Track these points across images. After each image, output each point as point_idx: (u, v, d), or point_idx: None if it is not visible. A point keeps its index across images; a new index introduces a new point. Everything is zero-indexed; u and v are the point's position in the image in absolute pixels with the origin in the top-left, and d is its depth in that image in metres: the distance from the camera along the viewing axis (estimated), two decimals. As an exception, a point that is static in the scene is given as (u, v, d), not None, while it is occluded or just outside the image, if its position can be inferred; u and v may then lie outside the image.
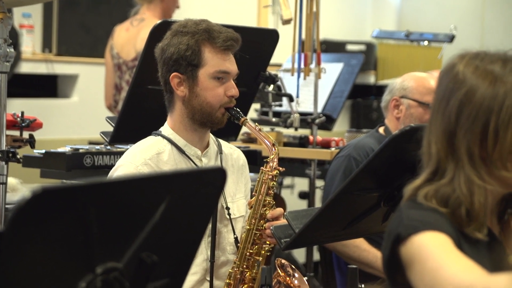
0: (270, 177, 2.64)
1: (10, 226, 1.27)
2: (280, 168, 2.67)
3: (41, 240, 1.34)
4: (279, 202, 5.20)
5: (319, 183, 4.81)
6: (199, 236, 1.77)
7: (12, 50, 2.85)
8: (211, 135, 2.78)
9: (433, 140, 1.77)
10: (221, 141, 2.83)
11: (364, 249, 3.43)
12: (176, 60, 2.61)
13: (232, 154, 2.83)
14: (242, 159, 2.85)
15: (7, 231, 1.27)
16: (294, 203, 5.73)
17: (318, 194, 5.02)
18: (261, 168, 2.67)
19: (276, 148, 2.66)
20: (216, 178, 1.68)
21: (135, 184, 1.51)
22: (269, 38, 3.45)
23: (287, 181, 6.27)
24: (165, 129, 2.71)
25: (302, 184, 6.18)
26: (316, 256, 5.40)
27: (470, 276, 1.55)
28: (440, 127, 1.77)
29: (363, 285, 2.83)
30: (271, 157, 2.65)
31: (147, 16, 4.98)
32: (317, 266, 5.66)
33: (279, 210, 2.64)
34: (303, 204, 5.74)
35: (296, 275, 2.60)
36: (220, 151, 2.77)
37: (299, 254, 5.90)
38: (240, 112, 2.65)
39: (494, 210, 1.80)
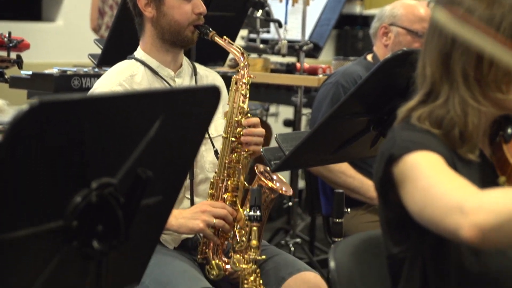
0: (242, 84, 2.66)
1: (7, 138, 1.27)
2: (252, 76, 2.68)
3: (37, 153, 1.34)
4: (265, 128, 5.20)
5: (305, 111, 4.83)
6: (192, 154, 1.78)
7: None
8: (185, 57, 2.80)
9: (428, 62, 1.77)
10: (196, 64, 2.84)
11: (349, 175, 3.46)
12: None
13: (207, 76, 2.85)
14: (219, 81, 2.87)
15: (4, 143, 1.27)
16: (279, 131, 5.73)
17: (304, 121, 5.04)
18: (233, 76, 2.69)
19: (246, 57, 2.67)
20: (210, 96, 1.68)
21: (131, 100, 1.51)
22: (259, -38, 3.42)
23: (272, 109, 6.28)
24: (138, 52, 2.74)
25: (287, 112, 6.19)
26: (300, 183, 5.45)
27: (461, 193, 1.56)
28: (435, 49, 1.77)
29: (349, 210, 2.86)
30: (241, 65, 2.67)
31: None
32: (301, 193, 5.71)
33: (255, 118, 2.66)
34: (288, 132, 5.75)
35: (275, 177, 2.63)
36: (194, 72, 2.78)
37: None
38: (209, 28, 2.66)
39: (486, 132, 1.81)
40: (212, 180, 2.67)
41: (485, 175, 1.75)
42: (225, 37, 2.70)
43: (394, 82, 2.32)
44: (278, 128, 5.92)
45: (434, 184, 1.60)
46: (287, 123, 5.80)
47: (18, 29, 5.23)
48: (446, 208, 1.55)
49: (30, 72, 3.30)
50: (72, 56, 5.38)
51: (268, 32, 4.47)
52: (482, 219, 1.49)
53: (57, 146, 1.38)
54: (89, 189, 1.47)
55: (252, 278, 2.36)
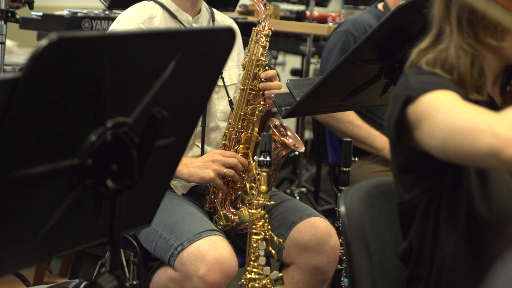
0: (262, 36, 2.65)
1: (26, 72, 1.27)
2: (273, 28, 2.67)
3: (55, 89, 1.34)
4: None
5: (313, 60, 4.81)
6: (206, 97, 1.78)
7: None
8: (204, 3, 2.77)
9: (436, 2, 1.78)
10: (214, 10, 2.82)
11: (357, 125, 3.46)
12: None
13: (224, 23, 2.83)
14: (235, 28, 2.83)
15: (23, 77, 1.27)
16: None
17: (311, 70, 5.02)
18: (253, 28, 2.67)
19: (268, 8, 2.66)
20: (225, 38, 1.67)
21: (148, 39, 1.50)
22: None
23: (279, 58, 6.26)
24: None
25: (294, 61, 6.17)
26: (306, 134, 5.45)
27: (486, 117, 1.54)
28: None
29: (356, 159, 2.87)
30: (263, 16, 2.65)
31: None
32: (307, 144, 5.72)
33: (272, 71, 2.65)
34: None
35: (289, 133, 2.63)
36: (212, 18, 2.76)
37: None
38: None
39: (497, 82, 1.81)
40: (225, 131, 2.67)
41: None
42: None
43: (406, 29, 2.31)
44: (285, 77, 5.91)
45: (455, 114, 1.59)
46: (294, 72, 5.79)
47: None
48: (475, 133, 1.53)
49: (41, 13, 3.28)
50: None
51: (277, -22, 4.44)
52: None
53: (74, 83, 1.38)
54: (104, 128, 1.48)
55: (260, 223, 2.37)
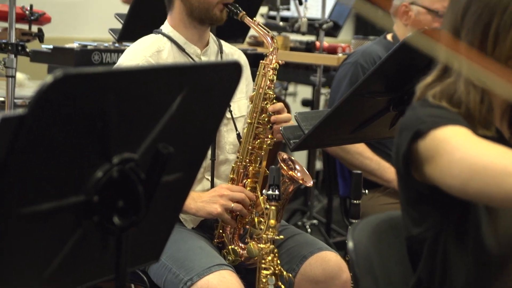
0: (270, 69, 2.65)
1: (31, 110, 1.27)
2: (280, 61, 2.67)
3: (60, 125, 1.34)
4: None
5: (323, 90, 4.82)
6: (213, 131, 1.78)
7: None
8: (211, 34, 2.78)
9: (443, 37, 1.78)
10: (222, 41, 2.82)
11: (367, 157, 3.45)
12: None
13: (233, 54, 2.84)
14: (243, 59, 2.85)
15: (28, 114, 1.27)
16: (297, 111, 5.73)
17: (322, 101, 5.02)
18: (261, 61, 2.67)
19: (275, 41, 2.66)
20: (232, 72, 1.67)
21: (154, 74, 1.50)
22: None
23: (290, 88, 6.27)
24: (165, 27, 2.72)
25: (305, 91, 6.17)
26: (318, 165, 5.44)
27: (510, 157, 1.54)
28: (449, 24, 1.77)
29: (366, 191, 2.85)
30: (271, 49, 2.65)
31: None
32: (318, 175, 5.70)
33: (280, 104, 2.65)
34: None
35: (298, 167, 2.62)
36: (220, 50, 2.77)
37: (301, 162, 5.95)
38: (239, 7, 2.64)
39: (505, 115, 1.81)
40: (233, 165, 2.67)
41: None
42: (255, 18, 2.68)
43: (414, 61, 2.30)
44: (296, 108, 5.91)
45: (476, 153, 1.57)
46: (305, 102, 5.79)
47: (40, 2, 5.25)
48: (502, 174, 1.52)
49: (51, 46, 3.30)
50: (93, 31, 5.38)
51: (288, 9, 4.46)
52: None
53: (80, 119, 1.39)
54: (110, 164, 1.47)
55: (269, 258, 2.36)
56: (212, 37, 2.78)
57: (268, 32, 2.67)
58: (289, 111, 5.15)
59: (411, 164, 1.70)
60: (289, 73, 4.93)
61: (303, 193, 5.56)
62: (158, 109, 1.54)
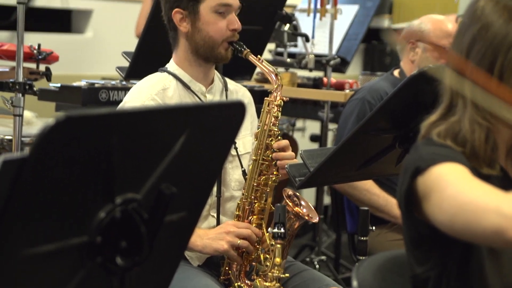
0: (274, 106, 2.66)
1: (33, 152, 1.28)
2: (284, 98, 2.68)
3: (63, 167, 1.35)
4: (292, 143, 5.19)
5: (332, 126, 4.82)
6: (217, 171, 1.78)
7: (30, -19, 2.84)
8: (216, 72, 2.80)
9: (448, 75, 1.78)
10: (227, 79, 2.84)
11: (374, 193, 3.44)
12: None
13: (237, 92, 2.85)
14: (248, 97, 2.87)
15: (31, 157, 1.27)
16: (305, 146, 5.74)
17: (330, 137, 5.03)
18: (265, 98, 2.68)
19: (279, 78, 2.68)
20: (235, 112, 1.67)
21: (157, 115, 1.51)
22: (286, -24, 3.43)
23: (298, 123, 6.27)
24: (171, 65, 2.74)
25: (313, 127, 6.18)
26: (326, 200, 5.43)
27: (494, 196, 1.54)
28: (452, 62, 1.77)
29: (373, 228, 2.84)
30: (275, 86, 2.67)
31: None
32: (327, 210, 5.69)
33: (285, 141, 2.66)
34: (314, 147, 5.75)
35: (303, 203, 2.62)
36: (225, 88, 2.78)
37: (309, 198, 5.94)
38: (243, 45, 2.66)
39: (510, 153, 1.80)
40: (239, 202, 2.67)
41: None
42: (259, 56, 2.70)
43: (420, 99, 2.31)
44: (304, 143, 5.92)
45: (463, 190, 1.58)
46: (313, 138, 5.79)
47: (48, 40, 5.29)
48: (482, 211, 1.52)
49: (59, 85, 3.33)
50: (101, 68, 5.42)
51: (295, 46, 4.47)
52: None
53: (83, 160, 1.39)
54: (113, 204, 1.48)
55: (275, 296, 2.35)
56: (217, 75, 2.79)
57: (273, 69, 2.69)
58: (296, 148, 5.18)
59: (412, 202, 1.70)
60: (297, 108, 4.93)
61: (311, 229, 5.54)
62: (161, 149, 1.54)
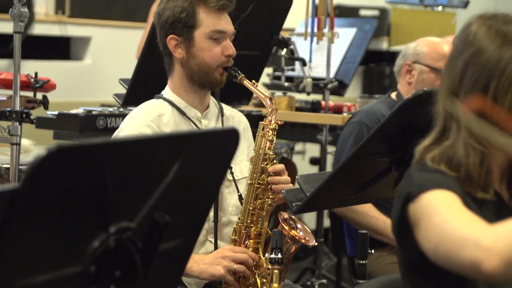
0: (269, 130, 2.66)
1: (25, 183, 1.28)
2: (279, 122, 2.69)
3: (55, 198, 1.35)
4: (290, 167, 5.21)
5: (331, 148, 4.82)
6: (211, 198, 1.78)
7: (26, 10, 2.86)
8: (212, 98, 2.82)
9: (441, 99, 1.78)
10: (223, 104, 2.85)
11: (373, 216, 3.44)
12: (172, 23, 2.65)
13: (233, 117, 2.86)
14: (244, 122, 2.88)
15: (23, 188, 1.28)
16: (305, 169, 5.74)
17: (330, 159, 5.03)
18: (260, 122, 2.69)
19: (274, 102, 2.69)
20: (229, 139, 1.68)
21: (149, 144, 1.51)
22: (282, 1, 3.45)
23: (298, 146, 6.28)
24: (166, 91, 2.75)
25: (313, 150, 6.18)
26: (326, 222, 5.42)
27: (475, 227, 1.55)
28: (446, 86, 1.78)
29: (373, 251, 2.84)
30: (269, 110, 2.68)
31: None
32: (327, 233, 5.68)
33: (281, 165, 2.66)
34: (314, 170, 5.75)
35: (299, 226, 2.62)
36: (221, 113, 2.79)
37: (310, 221, 5.93)
38: (238, 70, 2.68)
39: (504, 176, 1.80)
40: (235, 226, 2.67)
41: (502, 216, 1.74)
42: (253, 81, 2.71)
43: (415, 122, 2.31)
44: (304, 166, 5.92)
45: (448, 220, 1.59)
46: (313, 161, 5.79)
47: (47, 68, 5.32)
48: (461, 243, 1.54)
49: (56, 112, 3.33)
50: (100, 95, 5.44)
51: (293, 70, 4.48)
52: (501, 249, 1.48)
53: (76, 190, 1.39)
54: (107, 233, 1.48)
55: (273, 321, 2.34)
56: (212, 100, 2.81)
57: (267, 93, 2.70)
58: (295, 171, 5.17)
59: (405, 228, 1.70)
60: (296, 132, 4.94)
61: (312, 252, 5.53)
62: (155, 177, 1.54)
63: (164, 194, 1.55)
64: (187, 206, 1.67)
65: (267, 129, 2.67)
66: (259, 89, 2.71)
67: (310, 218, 5.98)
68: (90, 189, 1.41)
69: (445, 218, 1.59)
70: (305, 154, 6.36)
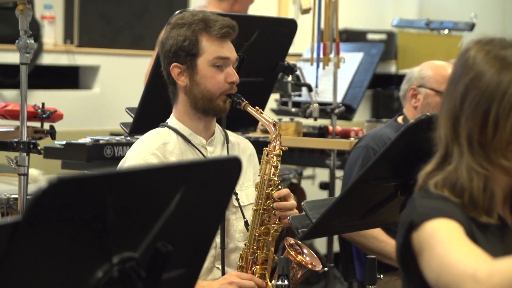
0: (273, 156, 2.67)
1: (26, 215, 1.29)
2: (283, 147, 2.70)
3: (57, 229, 1.36)
4: (299, 193, 5.21)
5: (339, 173, 4.82)
6: (215, 226, 1.79)
7: (33, 41, 2.88)
8: (217, 125, 2.83)
9: (442, 124, 1.79)
10: (228, 132, 2.87)
11: (382, 240, 3.43)
12: (175, 52, 2.68)
13: (239, 144, 2.88)
14: (250, 148, 2.89)
15: (24, 220, 1.29)
16: (315, 194, 5.73)
17: (338, 184, 5.02)
18: (264, 148, 2.71)
19: (278, 128, 2.70)
20: (231, 168, 1.69)
21: (150, 174, 1.53)
22: (287, 28, 3.47)
23: (308, 171, 6.27)
24: (171, 120, 2.78)
25: (323, 174, 6.17)
26: (337, 247, 5.41)
27: (474, 260, 1.56)
28: (447, 111, 1.79)
29: (381, 276, 2.83)
30: (273, 136, 2.69)
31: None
32: (338, 257, 5.67)
33: (286, 190, 2.68)
34: (324, 195, 5.74)
35: (305, 251, 2.63)
36: (226, 140, 2.80)
37: (321, 245, 5.92)
38: (241, 97, 2.70)
39: (507, 200, 1.80)
40: (241, 253, 2.68)
41: (507, 241, 1.74)
42: (257, 107, 2.73)
43: (419, 146, 2.31)
44: (314, 191, 5.91)
45: (449, 251, 1.60)
46: (323, 186, 5.78)
47: (56, 97, 5.35)
48: (460, 276, 1.55)
49: (64, 142, 3.35)
50: (109, 123, 5.46)
51: (300, 95, 4.50)
52: (495, 286, 1.49)
53: (78, 221, 1.40)
54: (110, 263, 1.48)
55: None
56: (218, 127, 2.82)
57: (271, 119, 2.72)
58: (304, 197, 5.16)
59: (408, 256, 1.70)
60: (305, 157, 4.95)
61: (324, 277, 5.52)
62: (157, 207, 1.55)
63: (167, 223, 1.56)
64: (190, 234, 1.68)
65: (272, 155, 2.69)
66: (263, 115, 2.73)
67: (321, 243, 5.97)
68: (91, 220, 1.42)
69: (446, 250, 1.60)
70: (315, 179, 6.35)
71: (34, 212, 1.30)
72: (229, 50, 2.70)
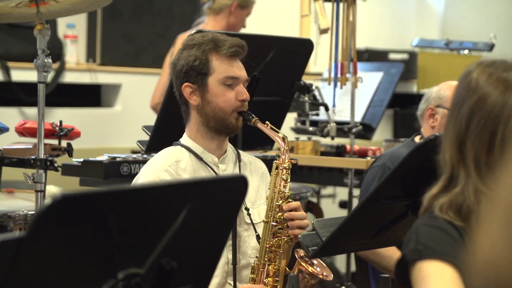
0: (283, 169, 2.70)
1: (31, 232, 1.32)
2: (293, 160, 2.72)
3: (62, 246, 1.39)
4: (316, 211, 5.21)
5: (357, 192, 4.83)
6: (221, 243, 1.81)
7: (50, 60, 2.93)
8: (230, 144, 2.87)
9: (447, 147, 1.80)
10: (241, 151, 2.91)
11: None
12: (187, 72, 2.74)
13: (251, 163, 2.91)
14: (262, 168, 2.93)
15: (28, 237, 1.32)
16: (335, 212, 5.74)
17: (356, 203, 5.03)
18: (274, 161, 2.73)
19: (287, 142, 2.72)
20: (237, 186, 1.71)
21: (155, 192, 1.55)
22: (303, 47, 3.50)
23: (328, 190, 6.28)
24: (184, 138, 2.83)
25: (343, 193, 6.18)
26: (353, 266, 5.41)
27: None
28: (452, 134, 1.80)
29: (395, 295, 2.84)
30: (282, 150, 2.71)
31: (210, 27, 4.93)
32: (355, 275, 5.66)
33: (296, 202, 2.70)
34: (343, 213, 5.74)
35: (315, 262, 2.64)
36: (238, 159, 2.83)
37: (341, 264, 5.92)
38: (252, 114, 2.74)
39: None
40: (253, 265, 2.70)
41: None
42: (267, 122, 2.76)
43: (429, 166, 2.32)
44: (334, 209, 5.91)
45: None
46: (342, 204, 5.78)
47: (78, 115, 5.41)
48: None
49: (81, 160, 3.39)
50: (129, 141, 5.49)
51: (317, 115, 4.51)
52: None
53: (82, 238, 1.43)
54: (115, 279, 1.51)
55: None
56: (230, 147, 2.86)
57: (280, 133, 2.75)
58: (322, 216, 5.15)
59: (406, 278, 1.71)
60: (323, 176, 4.96)
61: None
62: (163, 224, 1.58)
63: (173, 240, 1.58)
64: (196, 251, 1.70)
65: (281, 168, 2.71)
66: (273, 129, 2.76)
67: (341, 262, 5.97)
68: (96, 235, 1.45)
69: None
70: (335, 198, 6.36)
71: (39, 227, 1.33)
72: (239, 69, 2.75)
